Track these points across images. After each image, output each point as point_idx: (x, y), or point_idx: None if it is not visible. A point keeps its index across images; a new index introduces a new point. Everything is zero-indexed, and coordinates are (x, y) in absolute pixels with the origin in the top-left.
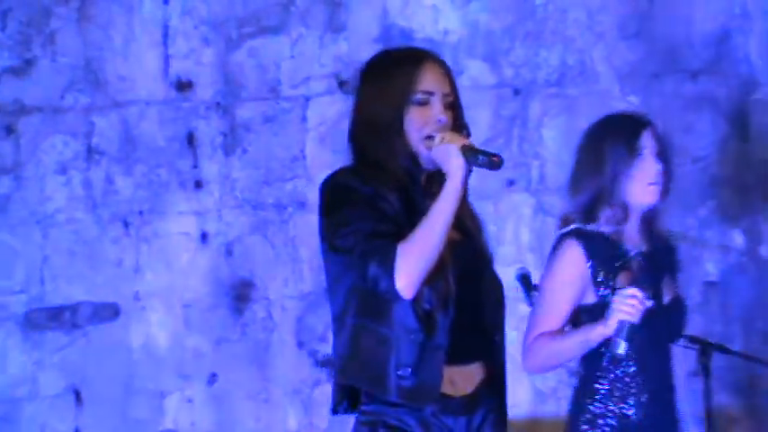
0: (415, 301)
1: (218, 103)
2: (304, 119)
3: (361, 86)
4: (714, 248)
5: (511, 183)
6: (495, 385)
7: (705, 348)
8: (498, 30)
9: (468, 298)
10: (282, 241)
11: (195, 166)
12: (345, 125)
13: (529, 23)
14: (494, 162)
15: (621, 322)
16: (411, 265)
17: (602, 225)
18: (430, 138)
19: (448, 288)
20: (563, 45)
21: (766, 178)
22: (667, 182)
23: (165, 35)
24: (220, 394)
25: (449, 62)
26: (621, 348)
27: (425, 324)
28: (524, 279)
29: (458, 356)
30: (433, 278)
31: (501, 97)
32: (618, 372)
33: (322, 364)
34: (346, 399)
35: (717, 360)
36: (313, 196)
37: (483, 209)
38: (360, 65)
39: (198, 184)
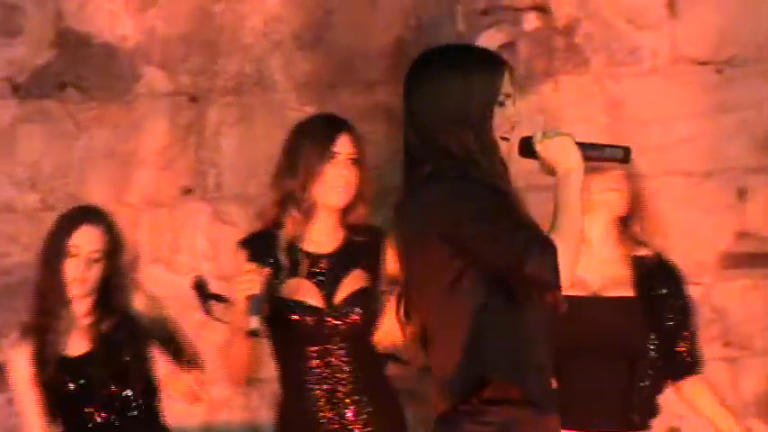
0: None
1: None
2: None
3: (433, 81)
4: None
5: (187, 191)
6: None
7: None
8: (175, 36)
9: None
10: None
11: None
12: (21, 130)
13: (206, 31)
14: (626, 153)
15: (250, 299)
16: (571, 258)
17: (287, 226)
18: (504, 138)
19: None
20: (240, 53)
21: None
22: (362, 185)
23: None
24: None
25: (125, 69)
26: (255, 324)
27: (552, 324)
28: (200, 287)
29: None
30: None
31: (177, 105)
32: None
33: None
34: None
35: (391, 368)
36: None
37: (158, 216)
38: (426, 54)
39: None
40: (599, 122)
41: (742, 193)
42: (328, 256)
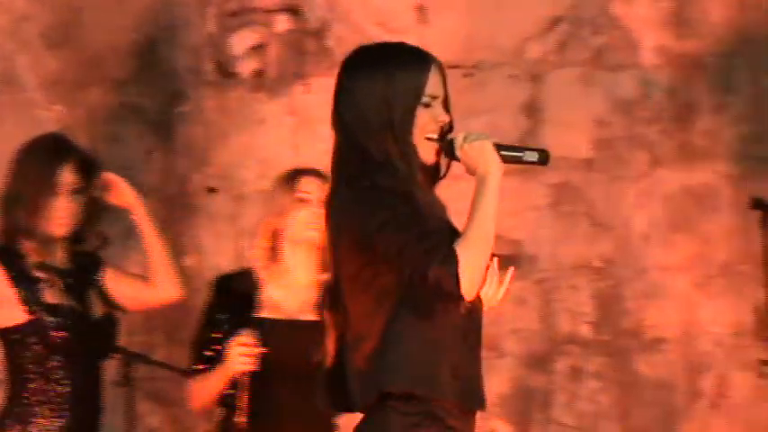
0: (461, 303)
1: None
2: None
3: (356, 83)
4: None
5: None
6: None
7: (128, 358)
8: None
9: None
10: None
11: None
12: None
13: None
14: (544, 155)
15: None
16: (475, 266)
17: (27, 252)
18: (431, 138)
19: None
20: None
21: (189, 190)
22: (89, 212)
23: None
24: None
25: None
26: None
27: (470, 326)
28: None
29: None
30: None
31: None
32: (49, 389)
33: None
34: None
35: (139, 370)
36: None
37: None
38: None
39: None
40: None
41: None
42: (68, 273)
